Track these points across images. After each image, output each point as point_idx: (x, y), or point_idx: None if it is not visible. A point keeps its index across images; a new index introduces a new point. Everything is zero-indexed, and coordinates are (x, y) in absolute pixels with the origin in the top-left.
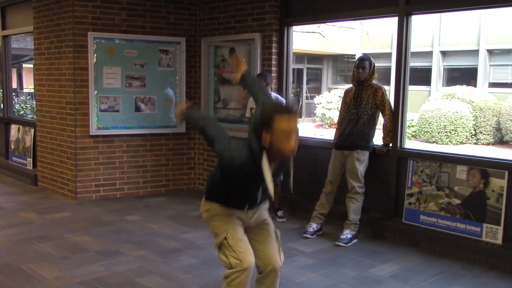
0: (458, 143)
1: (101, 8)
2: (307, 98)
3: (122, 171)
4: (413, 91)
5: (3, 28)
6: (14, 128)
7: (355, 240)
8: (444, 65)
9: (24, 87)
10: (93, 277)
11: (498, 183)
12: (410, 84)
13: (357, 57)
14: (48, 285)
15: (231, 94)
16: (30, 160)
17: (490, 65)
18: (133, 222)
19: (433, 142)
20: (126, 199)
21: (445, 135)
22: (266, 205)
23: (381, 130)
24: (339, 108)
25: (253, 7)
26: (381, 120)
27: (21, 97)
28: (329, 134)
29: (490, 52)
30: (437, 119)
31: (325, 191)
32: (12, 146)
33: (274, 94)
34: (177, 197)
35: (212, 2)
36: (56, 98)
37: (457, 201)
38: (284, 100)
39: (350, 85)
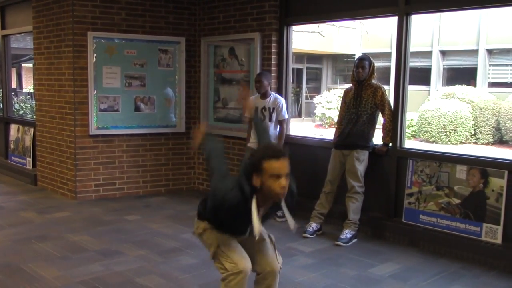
0: (458, 142)
1: (101, 8)
2: (306, 97)
3: (122, 171)
4: (413, 91)
5: (3, 28)
6: (13, 127)
7: (354, 240)
8: (443, 65)
9: (23, 86)
10: (92, 276)
11: (498, 182)
12: (409, 84)
13: (356, 56)
14: (47, 284)
15: (231, 94)
16: (29, 159)
17: (490, 64)
18: (132, 222)
19: (433, 142)
20: (125, 198)
21: (445, 134)
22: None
23: (381, 130)
24: (339, 108)
25: (252, 7)
26: (380, 119)
27: (21, 97)
28: (329, 133)
29: (490, 51)
30: (437, 119)
31: (324, 191)
32: (12, 146)
33: (273, 94)
34: (176, 197)
35: (212, 2)
36: (55, 97)
37: (457, 201)
38: (284, 100)
39: (349, 85)
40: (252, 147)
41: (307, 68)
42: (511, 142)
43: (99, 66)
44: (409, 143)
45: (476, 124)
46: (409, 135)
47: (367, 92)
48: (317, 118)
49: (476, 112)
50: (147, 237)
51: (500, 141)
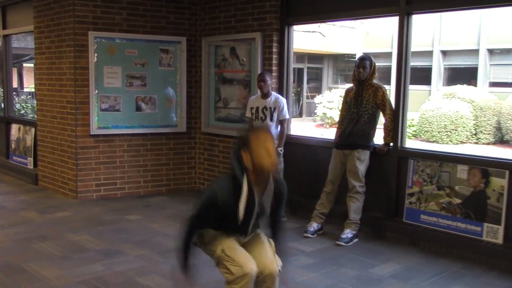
0: (459, 142)
1: (102, 8)
2: (307, 97)
3: (123, 171)
4: (414, 91)
5: (4, 28)
6: (14, 127)
7: (355, 240)
8: (444, 65)
9: (24, 86)
10: (93, 276)
11: (499, 182)
12: (410, 84)
13: (357, 56)
14: (48, 284)
15: (232, 94)
16: (30, 159)
17: (491, 64)
18: (133, 222)
19: (434, 141)
20: (126, 198)
21: (446, 134)
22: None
23: (382, 130)
24: (340, 108)
25: (253, 7)
26: (381, 119)
27: (22, 97)
28: (330, 133)
29: (491, 51)
30: (438, 119)
31: (325, 191)
32: (13, 146)
33: (274, 94)
34: (177, 197)
35: (213, 2)
36: (56, 97)
37: (458, 201)
38: (285, 100)
39: (350, 85)
40: None
41: (308, 68)
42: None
43: (100, 66)
44: (410, 143)
45: (477, 124)
46: (410, 135)
47: (368, 92)
48: (318, 118)
49: (477, 112)
50: (148, 237)
51: (501, 141)
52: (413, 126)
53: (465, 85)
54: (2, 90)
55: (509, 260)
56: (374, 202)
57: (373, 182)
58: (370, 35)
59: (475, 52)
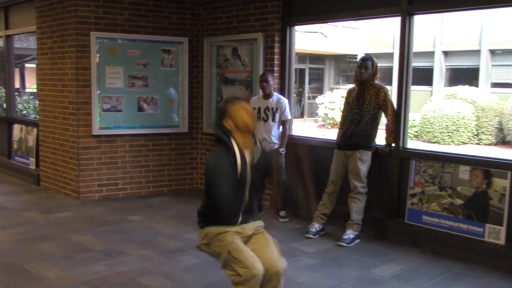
0: (460, 143)
1: (104, 8)
2: (309, 98)
3: (125, 171)
4: (415, 91)
5: (6, 28)
6: (17, 127)
7: (357, 240)
8: (446, 65)
9: (26, 86)
10: (95, 277)
11: (501, 183)
12: (412, 84)
13: (359, 57)
14: (51, 284)
15: (234, 94)
16: (33, 159)
17: (492, 65)
18: (135, 222)
19: (435, 142)
20: (128, 199)
21: (447, 135)
22: (260, 223)
23: (384, 130)
24: (342, 108)
25: (255, 7)
26: (383, 120)
27: (24, 97)
28: (332, 134)
29: (492, 52)
30: (439, 119)
31: (327, 191)
32: (15, 146)
33: (276, 95)
34: (179, 197)
35: (215, 2)
36: (58, 98)
37: (460, 202)
38: (287, 101)
39: (352, 85)
40: None
41: (309, 68)
42: None
43: (102, 66)
44: (412, 144)
45: (478, 124)
46: (412, 136)
47: (370, 92)
48: (319, 119)
49: (478, 112)
50: (150, 237)
51: (503, 142)
52: (414, 126)
53: (466, 86)
54: (4, 90)
55: (511, 261)
56: (376, 203)
57: (375, 182)
58: (372, 36)
59: (476, 52)
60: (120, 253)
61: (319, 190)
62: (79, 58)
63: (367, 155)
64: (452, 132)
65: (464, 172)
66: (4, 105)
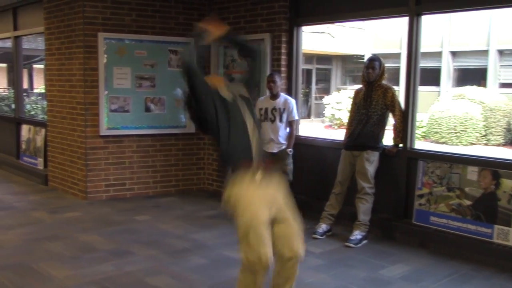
0: (468, 144)
1: (111, 9)
2: (316, 98)
3: (132, 171)
4: (423, 92)
5: (15, 29)
6: (25, 128)
7: (365, 241)
8: (454, 66)
9: (34, 87)
10: (103, 276)
11: (510, 184)
12: (419, 85)
13: (366, 57)
14: (58, 284)
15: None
16: (41, 160)
17: (501, 65)
18: (142, 222)
19: (443, 143)
20: (135, 199)
21: (455, 135)
22: (279, 178)
23: (391, 131)
24: (349, 109)
25: (262, 8)
26: (390, 120)
27: (32, 98)
28: (339, 134)
29: (501, 52)
30: (447, 120)
31: (334, 192)
32: (23, 146)
33: (283, 95)
34: (186, 197)
35: (222, 3)
36: (66, 98)
37: (468, 202)
38: (294, 101)
39: (359, 86)
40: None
41: (316, 68)
42: None
43: (109, 67)
44: (419, 144)
45: (486, 125)
46: (419, 136)
47: (378, 92)
48: (326, 119)
49: (486, 113)
50: (157, 238)
51: (511, 142)
52: (422, 127)
53: (474, 86)
54: (13, 91)
55: None
56: (383, 204)
57: (382, 183)
58: (379, 36)
59: (484, 53)
60: (127, 253)
61: (326, 190)
62: (87, 59)
63: (374, 156)
64: (460, 133)
65: (472, 172)
66: (13, 106)
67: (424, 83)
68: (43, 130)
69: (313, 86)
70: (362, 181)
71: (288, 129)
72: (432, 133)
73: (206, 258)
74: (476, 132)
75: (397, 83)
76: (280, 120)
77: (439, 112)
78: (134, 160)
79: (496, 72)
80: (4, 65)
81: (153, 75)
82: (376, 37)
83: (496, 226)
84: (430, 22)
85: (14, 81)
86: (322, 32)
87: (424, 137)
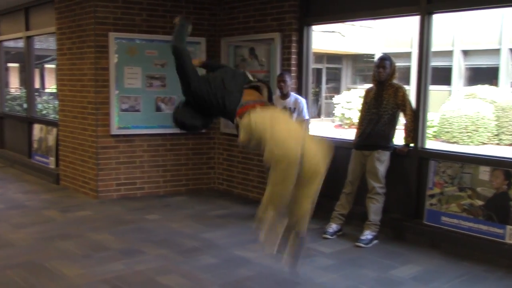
0: (480, 143)
1: (122, 9)
2: (326, 98)
3: (143, 171)
4: (434, 91)
5: (27, 29)
6: (37, 127)
7: (375, 241)
8: (465, 65)
9: (46, 87)
10: (114, 275)
11: None
12: (431, 84)
13: (376, 56)
14: (70, 282)
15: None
16: (52, 159)
17: None
18: (153, 221)
19: (454, 142)
20: (146, 198)
21: (467, 135)
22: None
23: (402, 130)
24: (360, 108)
25: (272, 7)
26: (401, 120)
27: (44, 97)
28: (349, 134)
29: None
30: (458, 119)
31: (345, 192)
32: (35, 145)
33: (294, 95)
34: (196, 197)
35: (232, 2)
36: (77, 98)
37: (480, 202)
38: (305, 101)
39: (370, 85)
40: None
41: (326, 68)
42: None
43: (120, 67)
44: (430, 144)
45: (498, 124)
46: (430, 136)
47: (388, 92)
48: (336, 119)
49: (498, 112)
50: (167, 237)
51: None
52: (433, 126)
53: (486, 86)
54: (25, 90)
55: None
56: (394, 203)
57: (393, 183)
58: (390, 35)
59: (496, 51)
60: (138, 252)
61: (336, 190)
62: (98, 58)
63: (385, 155)
64: (472, 132)
65: (484, 172)
66: (25, 105)
67: (435, 82)
68: (54, 130)
69: (323, 86)
70: (373, 180)
71: None
72: (443, 132)
73: (216, 257)
74: (488, 132)
75: (408, 82)
76: None
77: (450, 112)
78: (144, 159)
79: (508, 71)
80: (16, 65)
81: (164, 74)
82: (386, 36)
83: (508, 227)
84: (441, 21)
85: (26, 81)
86: (332, 31)
87: (435, 137)
